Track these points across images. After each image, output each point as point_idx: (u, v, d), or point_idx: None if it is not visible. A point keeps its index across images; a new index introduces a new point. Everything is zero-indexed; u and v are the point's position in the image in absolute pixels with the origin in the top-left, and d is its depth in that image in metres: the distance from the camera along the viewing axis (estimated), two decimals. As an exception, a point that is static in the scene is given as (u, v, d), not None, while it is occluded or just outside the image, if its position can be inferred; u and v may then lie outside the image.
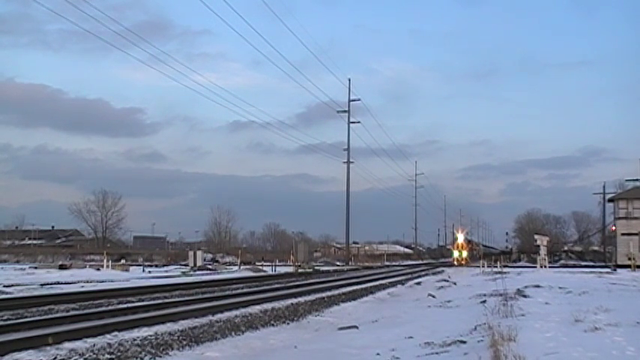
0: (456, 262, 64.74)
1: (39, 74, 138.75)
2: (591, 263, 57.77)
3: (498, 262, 38.77)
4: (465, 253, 67.77)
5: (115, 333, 8.76)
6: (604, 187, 65.72)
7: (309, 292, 17.37)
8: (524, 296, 15.18)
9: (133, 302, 13.94)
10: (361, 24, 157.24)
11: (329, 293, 17.71)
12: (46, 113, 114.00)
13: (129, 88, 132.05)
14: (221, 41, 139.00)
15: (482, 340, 8.18)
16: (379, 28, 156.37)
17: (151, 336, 8.73)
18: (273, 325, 11.85)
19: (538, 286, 18.62)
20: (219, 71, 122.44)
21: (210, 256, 55.82)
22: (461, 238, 69.40)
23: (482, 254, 77.39)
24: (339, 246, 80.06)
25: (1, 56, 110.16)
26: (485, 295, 16.32)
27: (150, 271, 34.47)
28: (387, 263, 65.28)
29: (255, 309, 12.51)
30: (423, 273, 37.37)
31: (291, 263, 43.69)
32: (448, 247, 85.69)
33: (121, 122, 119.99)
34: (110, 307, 12.48)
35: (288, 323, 12.31)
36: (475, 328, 9.71)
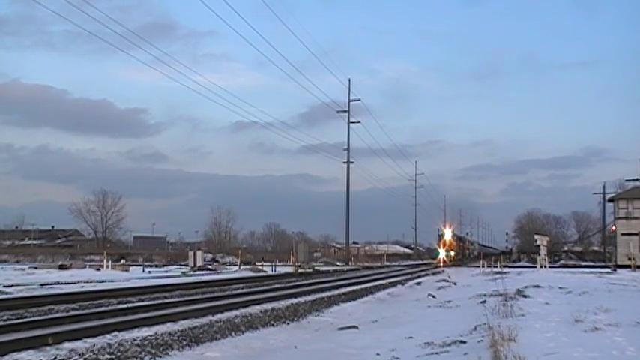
0: (441, 264, 55.17)
1: (44, 75, 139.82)
2: (591, 263, 57.76)
3: (498, 262, 38.77)
4: (452, 253, 60.54)
5: (115, 333, 8.75)
6: (604, 187, 65.81)
7: (309, 292, 17.35)
8: (524, 296, 15.18)
9: (133, 302, 13.93)
10: (363, 25, 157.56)
11: (329, 293, 17.70)
12: (49, 114, 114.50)
13: (133, 89, 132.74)
14: (226, 42, 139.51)
15: (482, 340, 8.19)
16: (381, 28, 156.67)
17: (150, 336, 8.73)
18: (273, 325, 11.85)
19: (538, 286, 18.62)
20: (223, 72, 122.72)
21: (210, 256, 55.81)
22: (448, 234, 61.91)
23: (477, 253, 76.06)
24: (339, 246, 80.00)
25: (7, 57, 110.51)
26: (485, 295, 16.33)
27: (150, 271, 34.46)
28: (387, 263, 65.12)
29: (255, 309, 12.50)
30: (423, 273, 37.35)
31: (291, 263, 43.67)
32: None
33: (124, 123, 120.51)
34: (110, 307, 12.47)
35: (288, 323, 12.30)
36: (475, 328, 9.71)
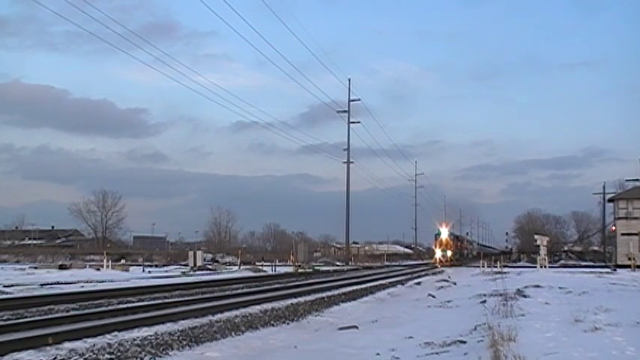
0: (438, 265, 53.67)
1: (44, 75, 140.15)
2: (591, 263, 57.72)
3: (498, 262, 38.75)
4: (449, 253, 58.67)
5: (115, 333, 8.75)
6: (604, 187, 65.71)
7: (309, 292, 17.35)
8: (524, 296, 15.18)
9: (132, 302, 13.93)
10: (363, 25, 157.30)
11: (329, 293, 17.70)
12: (49, 114, 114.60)
13: (133, 89, 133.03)
14: (227, 42, 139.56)
15: (482, 340, 8.18)
16: (381, 28, 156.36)
17: (150, 336, 8.73)
18: (273, 325, 11.85)
19: (538, 286, 18.61)
20: (223, 72, 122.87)
21: (210, 256, 55.80)
22: (445, 233, 60.23)
23: (477, 253, 75.54)
24: (339, 246, 79.97)
25: (7, 57, 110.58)
26: (485, 295, 16.32)
27: (150, 271, 34.47)
28: (387, 263, 65.04)
29: (255, 309, 12.50)
30: (423, 273, 37.35)
31: (291, 263, 43.68)
32: None
33: (124, 123, 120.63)
34: (110, 307, 12.47)
35: (288, 323, 12.31)
36: (475, 328, 9.71)
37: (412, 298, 19.64)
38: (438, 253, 58.80)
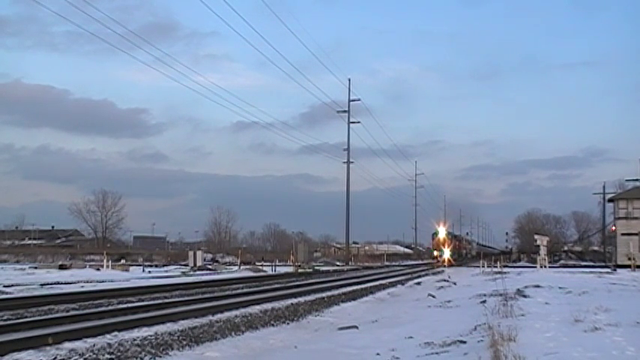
0: (435, 265, 52.30)
1: (45, 75, 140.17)
2: (591, 263, 57.70)
3: (498, 262, 38.75)
4: (447, 253, 57.53)
5: (115, 333, 8.75)
6: (604, 187, 65.69)
7: (309, 292, 17.35)
8: (524, 296, 15.18)
9: (132, 302, 13.93)
10: (363, 25, 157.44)
11: (329, 293, 17.70)
12: (50, 114, 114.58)
13: (134, 89, 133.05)
14: (227, 43, 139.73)
15: (482, 340, 8.19)
16: (381, 28, 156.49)
17: (150, 336, 8.73)
18: (273, 325, 11.85)
19: (538, 286, 18.61)
20: (223, 72, 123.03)
21: (210, 256, 55.79)
22: (442, 232, 59.02)
23: (476, 253, 75.40)
24: (339, 246, 79.93)
25: (8, 58, 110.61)
26: (485, 295, 16.32)
27: (150, 271, 34.45)
28: (387, 263, 64.95)
29: (255, 309, 12.50)
30: (423, 273, 37.35)
31: (291, 263, 43.67)
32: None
33: (125, 123, 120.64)
34: (110, 307, 12.47)
35: (288, 323, 12.31)
36: (475, 328, 9.71)
37: (412, 298, 19.64)
38: (436, 253, 58.31)
